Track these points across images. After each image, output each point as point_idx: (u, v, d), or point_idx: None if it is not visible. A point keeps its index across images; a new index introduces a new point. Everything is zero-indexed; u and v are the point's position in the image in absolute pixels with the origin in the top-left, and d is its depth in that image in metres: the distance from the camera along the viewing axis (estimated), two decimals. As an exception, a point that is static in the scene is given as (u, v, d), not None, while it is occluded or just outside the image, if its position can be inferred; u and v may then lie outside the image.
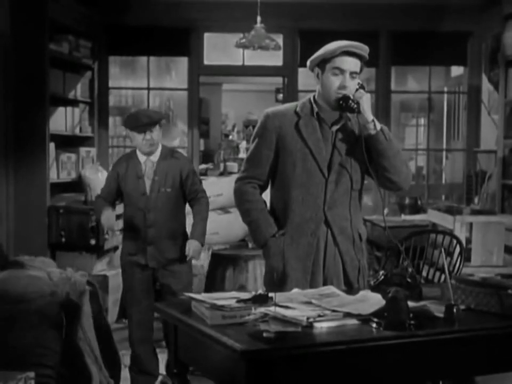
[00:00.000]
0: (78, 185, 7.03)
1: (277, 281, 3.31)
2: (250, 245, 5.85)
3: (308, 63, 3.32)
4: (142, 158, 4.59)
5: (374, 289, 2.97)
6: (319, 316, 2.61)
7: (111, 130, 8.44)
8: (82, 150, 7.24)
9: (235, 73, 8.70)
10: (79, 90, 7.25)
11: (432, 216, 6.13)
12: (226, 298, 2.78)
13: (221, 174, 8.35)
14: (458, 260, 4.62)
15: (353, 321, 2.64)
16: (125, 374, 4.42)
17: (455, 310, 2.68)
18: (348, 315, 2.66)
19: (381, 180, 3.34)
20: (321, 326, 2.56)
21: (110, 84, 7.97)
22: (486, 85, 7.73)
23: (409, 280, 2.99)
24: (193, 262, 4.84)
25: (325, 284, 3.28)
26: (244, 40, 6.38)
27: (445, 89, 9.48)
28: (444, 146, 9.72)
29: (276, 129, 3.34)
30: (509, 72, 6.72)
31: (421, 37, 7.81)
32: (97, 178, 6.98)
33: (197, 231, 4.60)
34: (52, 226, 6.27)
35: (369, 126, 3.25)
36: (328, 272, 3.32)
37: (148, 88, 8.21)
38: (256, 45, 6.34)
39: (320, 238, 3.31)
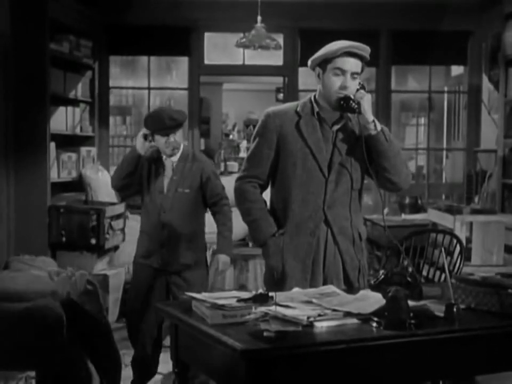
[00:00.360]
0: (78, 184, 7.03)
1: (277, 280, 3.31)
2: (250, 244, 5.86)
3: (309, 62, 3.32)
4: (163, 156, 4.47)
5: (374, 288, 2.98)
6: (320, 315, 2.61)
7: (111, 130, 8.45)
8: (83, 150, 7.24)
9: (235, 72, 8.70)
10: (80, 90, 7.25)
11: (433, 216, 6.13)
12: (227, 297, 2.78)
13: (222, 174, 8.35)
14: (459, 259, 4.62)
15: (354, 321, 2.64)
16: (125, 374, 4.42)
17: (455, 310, 2.69)
18: (348, 314, 2.66)
19: (381, 180, 3.34)
20: (322, 325, 2.57)
21: (111, 84, 7.98)
22: (486, 85, 7.73)
23: (409, 279, 2.99)
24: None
25: (324, 283, 3.28)
26: (244, 40, 6.38)
27: (445, 88, 9.48)
28: (444, 146, 9.72)
29: (276, 129, 3.34)
30: (509, 71, 6.73)
31: (421, 36, 7.82)
32: (98, 178, 6.99)
33: (225, 244, 4.49)
34: (52, 225, 6.26)
35: (369, 126, 3.25)
36: (328, 272, 3.32)
37: (149, 88, 8.21)
38: (257, 44, 6.35)
39: (320, 237, 3.31)
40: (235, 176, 3.59)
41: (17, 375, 3.88)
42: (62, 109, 6.80)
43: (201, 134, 8.62)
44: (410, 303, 2.67)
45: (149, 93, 8.28)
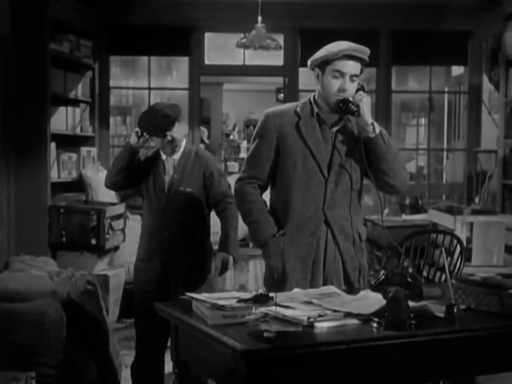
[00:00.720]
0: (79, 185, 7.03)
1: (277, 281, 3.31)
2: (250, 245, 5.86)
3: (309, 62, 3.33)
4: (163, 155, 4.22)
5: (375, 289, 2.98)
6: (320, 315, 2.61)
7: (112, 130, 8.44)
8: (83, 150, 7.24)
9: (236, 73, 8.69)
10: (80, 90, 7.25)
11: (433, 216, 6.13)
12: (227, 298, 2.78)
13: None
14: (459, 259, 4.62)
15: (354, 321, 2.64)
16: (125, 374, 4.42)
17: (455, 310, 2.69)
18: (348, 315, 2.66)
19: (379, 182, 3.35)
20: (322, 326, 2.57)
21: (111, 84, 7.98)
22: (486, 85, 7.73)
23: (409, 280, 2.99)
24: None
25: (325, 283, 3.28)
26: (244, 40, 6.39)
27: (446, 89, 9.48)
28: (445, 146, 9.72)
29: (276, 129, 3.34)
30: (510, 71, 6.72)
31: (421, 36, 7.81)
32: (98, 178, 6.98)
33: (227, 242, 4.20)
34: (52, 226, 6.27)
35: (368, 129, 3.25)
36: (329, 272, 3.32)
37: (149, 88, 8.21)
38: (257, 44, 6.35)
39: (320, 237, 3.31)
40: (235, 176, 3.59)
41: (17, 375, 3.87)
42: (62, 109, 6.80)
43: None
44: (411, 303, 2.67)
45: (149, 93, 8.28)
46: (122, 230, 6.66)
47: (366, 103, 3.22)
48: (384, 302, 2.65)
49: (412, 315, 2.59)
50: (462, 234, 5.26)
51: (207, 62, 7.98)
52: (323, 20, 7.61)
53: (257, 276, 5.53)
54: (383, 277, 3.04)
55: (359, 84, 3.26)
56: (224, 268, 4.22)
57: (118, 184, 4.24)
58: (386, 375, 2.57)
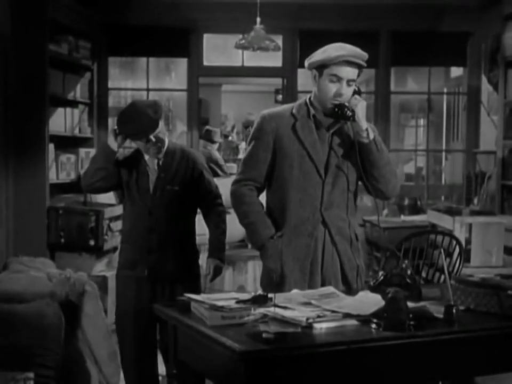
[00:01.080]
0: (77, 186, 6.99)
1: (275, 282, 3.30)
2: (249, 246, 5.85)
3: (306, 62, 3.33)
4: (145, 155, 3.97)
5: (374, 289, 2.98)
6: (319, 316, 2.61)
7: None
8: (82, 151, 7.23)
9: (234, 74, 8.70)
10: (79, 91, 7.24)
11: (432, 217, 6.13)
12: (226, 299, 2.78)
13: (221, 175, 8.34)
14: (458, 260, 4.62)
15: (353, 322, 2.64)
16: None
17: (454, 311, 2.69)
18: (347, 316, 2.66)
19: (369, 187, 3.35)
20: (321, 327, 2.56)
21: (110, 85, 7.97)
22: (485, 86, 7.73)
23: (408, 280, 2.99)
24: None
25: (323, 284, 3.28)
26: (243, 41, 6.38)
27: (445, 90, 9.48)
28: (444, 147, 9.72)
29: (272, 131, 3.34)
30: (509, 73, 6.72)
31: (420, 37, 7.81)
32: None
33: (219, 248, 4.00)
34: (51, 227, 6.26)
35: (362, 134, 3.25)
36: (326, 273, 3.32)
37: (148, 89, 8.20)
38: (256, 45, 6.34)
39: (318, 238, 3.31)
40: (234, 177, 3.59)
41: (16, 376, 3.87)
42: (60, 110, 6.79)
43: (200, 135, 8.61)
44: (410, 304, 2.67)
45: (147, 94, 8.26)
46: (121, 231, 6.65)
47: (361, 108, 3.22)
48: (383, 302, 2.65)
49: (411, 316, 2.59)
50: (461, 235, 5.26)
51: (205, 63, 7.97)
52: (322, 21, 7.61)
53: (255, 277, 5.52)
54: (382, 277, 3.04)
55: (355, 85, 3.27)
56: (216, 274, 3.99)
57: (95, 185, 3.94)
58: (385, 376, 2.57)
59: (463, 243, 4.98)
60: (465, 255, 4.84)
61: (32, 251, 5.32)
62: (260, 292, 2.90)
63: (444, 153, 9.54)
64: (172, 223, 3.91)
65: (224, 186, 4.66)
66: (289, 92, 7.97)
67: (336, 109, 3.22)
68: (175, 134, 10.48)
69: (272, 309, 2.68)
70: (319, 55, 3.26)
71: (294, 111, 3.37)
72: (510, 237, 5.58)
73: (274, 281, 3.31)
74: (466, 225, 5.49)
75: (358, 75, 3.27)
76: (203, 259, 4.12)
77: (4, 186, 6.10)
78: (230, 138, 12.97)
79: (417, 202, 7.43)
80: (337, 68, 3.20)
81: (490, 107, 7.54)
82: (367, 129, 3.25)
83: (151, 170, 3.93)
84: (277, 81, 8.87)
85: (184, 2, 7.58)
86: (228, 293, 3.07)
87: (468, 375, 3.29)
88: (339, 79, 3.22)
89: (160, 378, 4.43)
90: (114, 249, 6.58)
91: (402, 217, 7.12)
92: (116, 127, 3.86)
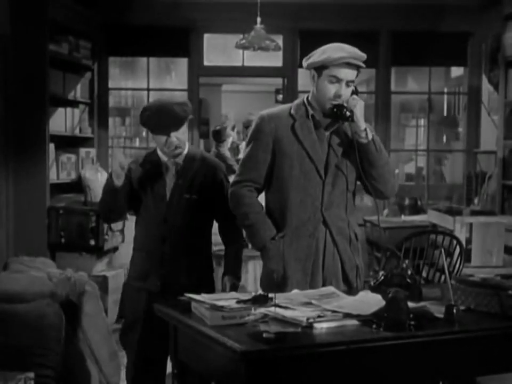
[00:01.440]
0: (77, 186, 7.03)
1: (277, 283, 3.30)
2: (250, 246, 5.84)
3: (305, 63, 3.32)
4: (163, 157, 3.71)
5: (374, 289, 2.98)
6: (319, 316, 2.61)
7: (110, 131, 8.45)
8: (82, 151, 7.24)
9: (235, 74, 8.70)
10: (79, 91, 7.25)
11: (432, 217, 6.13)
12: (226, 299, 2.78)
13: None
14: (458, 260, 4.62)
15: (353, 322, 2.64)
16: (124, 375, 4.40)
17: (455, 311, 2.69)
18: (347, 316, 2.66)
19: (369, 187, 3.35)
20: (321, 327, 2.56)
21: (110, 85, 7.97)
22: (486, 86, 7.73)
23: (409, 280, 2.99)
24: None
25: (324, 284, 3.28)
26: (243, 41, 6.38)
27: (445, 90, 9.49)
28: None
29: (271, 132, 3.34)
30: (509, 72, 6.72)
31: (421, 37, 7.81)
32: (97, 179, 6.98)
33: (237, 265, 3.76)
34: (51, 227, 6.27)
35: (361, 134, 3.25)
36: (327, 272, 3.32)
37: (148, 89, 8.21)
38: (256, 45, 6.34)
39: (319, 239, 3.31)
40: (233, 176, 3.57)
41: (16, 375, 3.87)
42: (61, 110, 6.80)
43: (200, 135, 8.62)
44: (410, 304, 2.67)
45: (148, 94, 8.27)
46: (121, 231, 6.66)
47: (359, 109, 3.23)
48: (383, 302, 2.65)
49: (411, 316, 2.59)
50: (462, 235, 5.26)
51: (206, 63, 7.98)
52: (322, 21, 7.61)
53: (256, 277, 5.51)
54: (382, 277, 3.04)
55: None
56: (233, 291, 3.56)
57: (109, 217, 3.89)
58: (385, 376, 2.57)
59: (464, 243, 4.97)
60: (466, 255, 4.84)
61: (33, 251, 5.32)
62: (260, 291, 2.89)
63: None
64: (186, 233, 3.67)
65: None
66: (289, 92, 7.98)
67: (335, 110, 3.22)
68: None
69: (272, 308, 2.68)
70: (318, 55, 3.26)
71: (292, 111, 3.37)
72: (510, 237, 5.58)
73: (275, 282, 3.30)
74: (467, 225, 5.49)
75: (356, 76, 3.28)
76: (219, 271, 3.91)
77: (4, 186, 6.10)
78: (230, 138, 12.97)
79: (417, 202, 7.43)
80: (336, 69, 3.20)
81: (491, 107, 7.54)
82: (365, 129, 3.25)
83: (168, 176, 3.70)
84: (277, 81, 8.88)
85: (185, 2, 7.58)
86: (229, 293, 3.08)
87: (468, 375, 3.28)
88: (338, 80, 3.22)
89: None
90: (115, 249, 6.58)
91: (403, 217, 7.12)
92: (120, 157, 3.56)
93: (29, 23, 6.09)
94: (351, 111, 3.20)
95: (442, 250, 3.12)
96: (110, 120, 8.29)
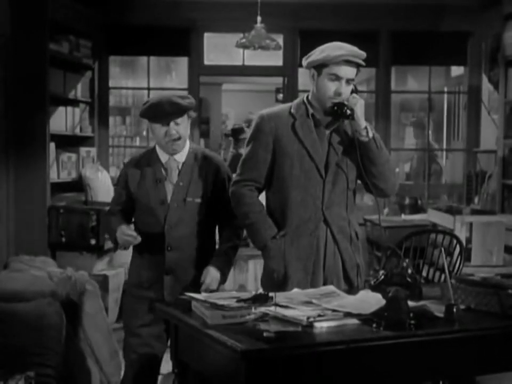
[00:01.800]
0: (78, 185, 7.03)
1: (278, 282, 3.30)
2: (251, 245, 5.85)
3: (304, 62, 3.33)
4: (163, 156, 3.54)
5: (374, 289, 2.98)
6: (319, 315, 2.62)
7: (111, 130, 8.45)
8: (83, 150, 7.24)
9: (235, 73, 8.70)
10: (79, 90, 7.25)
11: (432, 216, 6.13)
12: (227, 298, 2.78)
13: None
14: (458, 259, 4.62)
15: (354, 321, 2.64)
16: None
17: (455, 310, 2.69)
18: (348, 315, 2.66)
19: (370, 185, 3.36)
20: (321, 326, 2.57)
21: (110, 84, 7.98)
22: (486, 85, 7.73)
23: (409, 280, 3.00)
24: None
25: (325, 283, 3.29)
26: (244, 40, 6.38)
27: (445, 89, 9.48)
28: (444, 146, 9.72)
29: (271, 131, 3.34)
30: (509, 72, 6.72)
31: (421, 37, 7.82)
32: (97, 178, 6.99)
33: (221, 258, 3.53)
34: (52, 226, 6.26)
35: (362, 133, 3.26)
36: (328, 271, 3.33)
37: (148, 88, 8.20)
38: (257, 45, 6.34)
39: (320, 237, 3.31)
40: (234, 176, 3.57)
41: (17, 375, 3.87)
42: (61, 109, 6.80)
43: (201, 134, 8.63)
44: (410, 303, 2.67)
45: (148, 93, 8.26)
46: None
47: (360, 107, 3.23)
48: (383, 302, 2.65)
49: (411, 315, 2.59)
50: (462, 234, 5.26)
51: (206, 62, 7.98)
52: (322, 20, 7.61)
53: (256, 276, 5.51)
54: (382, 277, 3.04)
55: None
56: (212, 283, 3.47)
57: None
58: (386, 375, 2.57)
59: (464, 242, 4.97)
60: (466, 254, 4.84)
61: (33, 250, 5.33)
62: (260, 290, 2.90)
63: (444, 152, 9.52)
64: (192, 239, 3.51)
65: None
66: (289, 91, 7.98)
67: (336, 108, 3.23)
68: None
69: (272, 308, 2.69)
70: (317, 54, 3.26)
71: (292, 110, 3.37)
72: (510, 236, 5.58)
73: (276, 282, 3.31)
74: (467, 225, 5.49)
75: (356, 74, 3.28)
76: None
77: (4, 185, 6.10)
78: (230, 137, 12.97)
79: (417, 201, 7.43)
80: (336, 67, 3.21)
81: (491, 106, 7.54)
82: (366, 127, 3.26)
83: (169, 177, 3.52)
84: (278, 80, 8.88)
85: (185, 1, 7.58)
86: (229, 292, 3.08)
87: (468, 374, 3.29)
88: (338, 78, 3.22)
89: (160, 377, 4.42)
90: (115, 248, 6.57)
91: (403, 216, 7.13)
92: (129, 232, 3.43)
93: (29, 23, 6.09)
94: (352, 109, 3.21)
95: (442, 249, 3.12)
96: (111, 119, 8.29)
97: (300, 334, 2.48)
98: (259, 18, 6.27)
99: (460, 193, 8.15)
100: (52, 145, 6.49)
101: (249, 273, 5.56)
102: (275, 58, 7.91)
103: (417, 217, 6.96)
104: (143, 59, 8.41)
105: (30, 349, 3.97)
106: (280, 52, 7.60)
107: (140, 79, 8.86)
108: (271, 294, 2.80)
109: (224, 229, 3.65)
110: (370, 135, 3.27)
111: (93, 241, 6.21)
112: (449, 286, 2.79)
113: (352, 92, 3.26)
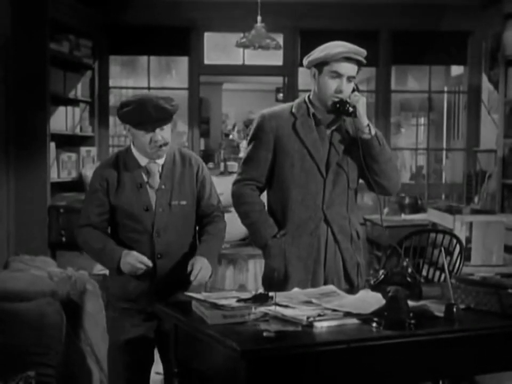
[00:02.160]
0: (78, 184, 7.03)
1: (278, 281, 3.31)
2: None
3: (305, 61, 3.33)
4: (142, 160, 3.29)
5: (374, 288, 2.98)
6: (319, 315, 2.62)
7: (111, 130, 8.45)
8: (83, 150, 7.24)
9: (235, 72, 8.69)
10: (80, 90, 7.25)
11: (432, 216, 6.13)
12: (227, 297, 2.79)
13: (222, 174, 8.35)
14: (458, 259, 4.62)
15: (353, 321, 2.64)
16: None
17: (455, 310, 2.69)
18: (348, 314, 2.66)
19: (372, 183, 3.35)
20: (321, 326, 2.57)
21: (111, 83, 7.98)
22: (486, 84, 7.73)
23: (409, 279, 3.00)
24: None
25: (325, 282, 3.29)
26: (244, 40, 6.38)
27: (445, 88, 9.48)
28: (444, 146, 9.72)
29: (272, 131, 3.34)
30: (509, 71, 6.72)
31: (421, 36, 7.82)
32: (98, 178, 6.97)
33: (209, 248, 3.33)
34: (52, 225, 6.26)
35: (364, 130, 3.26)
36: (329, 271, 3.33)
37: (148, 88, 8.20)
38: (257, 44, 6.34)
39: (321, 237, 3.32)
40: (234, 175, 3.58)
41: (17, 375, 3.87)
42: (61, 109, 6.80)
43: (201, 134, 8.62)
44: (410, 303, 2.67)
45: (148, 93, 8.27)
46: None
47: (362, 104, 3.23)
48: (383, 301, 2.66)
49: (411, 315, 2.60)
50: (462, 233, 5.26)
51: (206, 61, 7.98)
52: (323, 20, 7.61)
53: (256, 276, 5.51)
54: (382, 276, 3.04)
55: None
56: (202, 276, 3.23)
57: None
58: (385, 375, 2.57)
59: (464, 242, 4.98)
60: (466, 254, 4.84)
61: (33, 250, 5.33)
62: (260, 290, 2.90)
63: (444, 152, 9.52)
64: (180, 245, 3.33)
65: (224, 184, 4.64)
66: (290, 91, 7.98)
67: (338, 105, 3.23)
68: (174, 132, 10.48)
69: (273, 307, 2.69)
70: (318, 53, 3.27)
71: (293, 110, 3.38)
72: (510, 236, 5.58)
73: (277, 281, 3.31)
74: (467, 224, 5.49)
75: (357, 72, 3.28)
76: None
77: (5, 185, 6.11)
78: (230, 136, 12.97)
79: (417, 201, 7.43)
80: (337, 64, 3.21)
81: (491, 106, 7.54)
82: (368, 125, 3.26)
83: (150, 181, 3.30)
84: (278, 80, 8.88)
85: (185, 1, 7.58)
86: (229, 292, 3.08)
87: (467, 374, 3.30)
88: (339, 76, 3.22)
89: (160, 377, 4.42)
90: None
91: (403, 216, 7.13)
92: (137, 261, 3.18)
93: (29, 22, 6.09)
94: (354, 107, 3.21)
95: (442, 249, 3.13)
96: (111, 119, 8.28)
97: (300, 333, 2.49)
98: (259, 18, 6.27)
99: (459, 192, 8.15)
100: (52, 145, 6.49)
101: (249, 273, 5.56)
102: (275, 58, 7.91)
103: (417, 217, 6.97)
104: (143, 59, 8.41)
105: (30, 348, 3.98)
106: (280, 52, 7.60)
107: (140, 79, 8.86)
108: (271, 294, 2.80)
109: (204, 227, 3.42)
110: (373, 132, 3.27)
111: (93, 241, 6.20)
112: (449, 285, 2.79)
113: (353, 90, 3.26)
